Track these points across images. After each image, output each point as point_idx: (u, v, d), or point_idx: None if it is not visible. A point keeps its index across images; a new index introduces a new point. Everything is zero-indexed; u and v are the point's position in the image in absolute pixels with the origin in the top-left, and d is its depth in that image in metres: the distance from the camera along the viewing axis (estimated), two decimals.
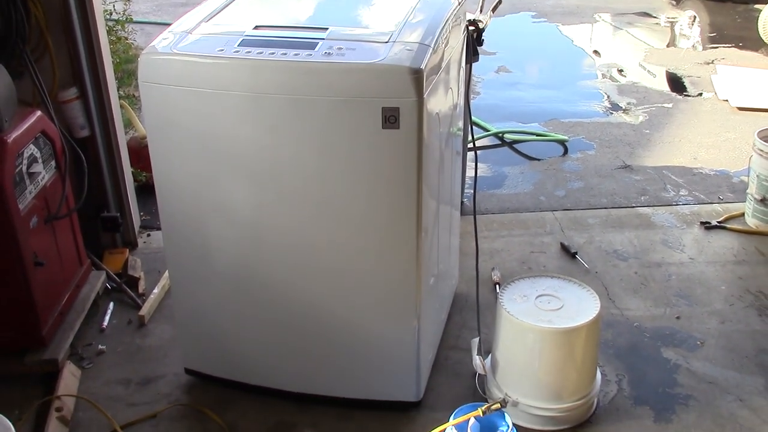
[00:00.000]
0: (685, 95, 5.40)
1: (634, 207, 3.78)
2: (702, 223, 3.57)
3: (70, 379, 2.57)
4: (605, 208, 3.79)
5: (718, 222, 3.55)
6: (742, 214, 3.59)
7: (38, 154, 2.59)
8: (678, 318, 2.90)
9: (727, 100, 5.15)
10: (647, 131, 4.75)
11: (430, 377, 2.53)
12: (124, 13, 5.30)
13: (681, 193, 3.93)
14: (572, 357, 2.31)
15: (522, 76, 5.95)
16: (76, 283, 2.86)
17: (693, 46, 6.72)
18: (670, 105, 5.19)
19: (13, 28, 2.77)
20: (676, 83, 5.69)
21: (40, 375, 2.59)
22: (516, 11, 7.59)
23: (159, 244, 3.32)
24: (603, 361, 2.65)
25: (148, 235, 3.50)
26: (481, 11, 3.16)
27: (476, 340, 2.51)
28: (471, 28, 2.82)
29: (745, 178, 3.74)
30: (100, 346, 2.79)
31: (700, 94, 5.39)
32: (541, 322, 2.26)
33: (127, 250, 3.32)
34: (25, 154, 2.51)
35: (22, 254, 2.46)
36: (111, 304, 3.01)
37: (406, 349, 2.31)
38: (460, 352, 2.71)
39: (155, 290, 3.05)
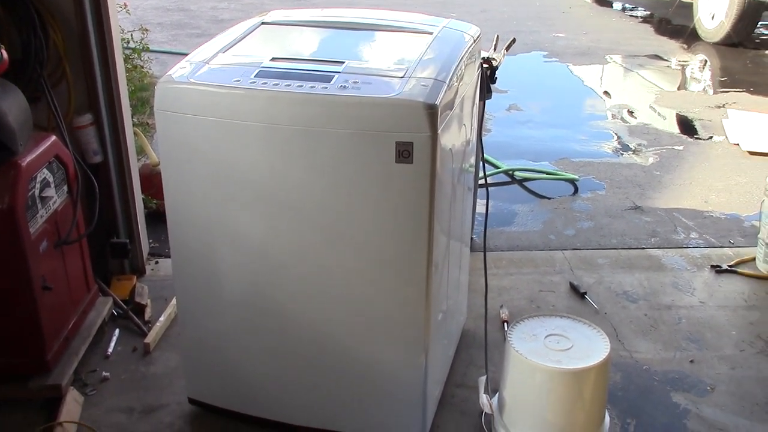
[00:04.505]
0: (696, 138, 5.41)
1: (644, 248, 3.77)
2: (712, 266, 3.55)
3: (72, 405, 2.55)
4: (615, 248, 3.77)
5: (728, 266, 3.53)
6: (753, 259, 3.56)
7: (51, 179, 2.60)
8: (691, 362, 2.86)
9: (738, 144, 5.16)
10: (658, 173, 4.75)
11: (435, 414, 2.50)
12: (141, 42, 5.36)
13: (692, 235, 3.91)
14: (581, 399, 2.28)
15: (533, 115, 5.97)
16: (82, 309, 2.85)
17: (704, 89, 6.76)
18: (680, 147, 5.19)
19: (32, 53, 2.80)
20: (687, 126, 5.70)
21: (43, 401, 2.57)
22: (528, 50, 7.66)
23: (167, 272, 3.32)
24: (611, 404, 2.61)
25: (156, 263, 3.50)
26: (495, 49, 3.18)
27: (483, 378, 2.49)
28: (485, 65, 2.84)
29: (757, 223, 3.72)
30: (104, 373, 2.77)
31: (711, 138, 5.39)
32: (550, 362, 2.24)
33: (135, 276, 3.31)
34: (38, 178, 2.52)
35: (31, 278, 2.45)
36: (117, 331, 3.00)
37: (412, 385, 2.29)
38: (467, 389, 2.68)
39: (161, 318, 3.04)
